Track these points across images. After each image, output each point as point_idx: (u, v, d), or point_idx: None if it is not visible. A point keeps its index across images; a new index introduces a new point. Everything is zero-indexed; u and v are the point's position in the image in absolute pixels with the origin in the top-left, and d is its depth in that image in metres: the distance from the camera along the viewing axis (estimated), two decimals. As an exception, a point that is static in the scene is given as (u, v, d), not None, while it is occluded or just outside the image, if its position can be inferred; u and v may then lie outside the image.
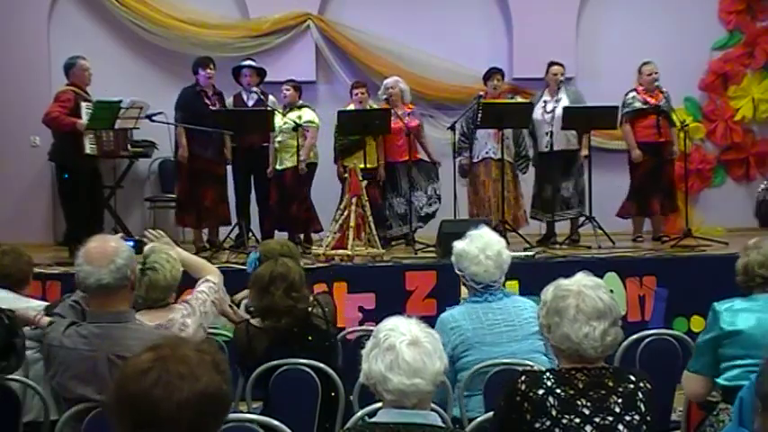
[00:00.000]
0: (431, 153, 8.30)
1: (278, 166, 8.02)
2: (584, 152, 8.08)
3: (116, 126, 7.52)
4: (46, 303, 4.20)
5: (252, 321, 4.02)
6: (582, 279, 2.75)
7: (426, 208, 8.20)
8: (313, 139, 8.04)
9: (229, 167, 8.17)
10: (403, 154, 8.08)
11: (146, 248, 3.88)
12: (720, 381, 3.49)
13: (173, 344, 1.83)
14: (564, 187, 8.12)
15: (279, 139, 7.96)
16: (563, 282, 2.76)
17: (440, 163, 8.31)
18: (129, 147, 8.29)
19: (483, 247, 3.78)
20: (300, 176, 7.97)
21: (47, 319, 3.54)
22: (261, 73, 8.26)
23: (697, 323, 6.71)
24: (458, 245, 3.87)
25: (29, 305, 3.98)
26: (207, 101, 7.93)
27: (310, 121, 8.01)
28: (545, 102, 8.15)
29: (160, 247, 3.89)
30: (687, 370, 3.60)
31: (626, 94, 8.19)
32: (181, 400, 1.73)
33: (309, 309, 4.00)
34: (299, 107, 8.13)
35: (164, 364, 1.76)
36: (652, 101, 8.11)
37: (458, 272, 3.86)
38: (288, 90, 8.12)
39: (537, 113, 8.11)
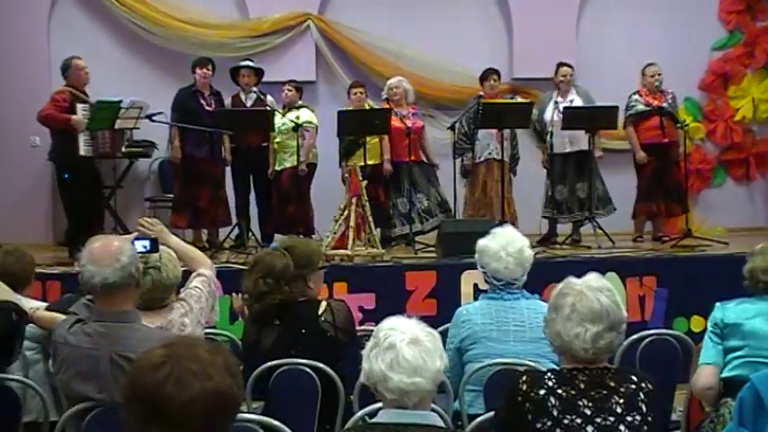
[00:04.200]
0: (429, 155, 8.29)
1: (277, 167, 8.02)
2: (598, 153, 8.12)
3: (116, 126, 7.52)
4: (45, 304, 4.20)
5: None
6: (589, 280, 2.73)
7: (430, 221, 8.17)
8: (311, 139, 8.03)
9: (228, 168, 8.17)
10: (404, 155, 8.09)
11: None
12: (723, 373, 3.52)
13: (186, 343, 1.85)
14: (579, 188, 8.09)
15: (278, 139, 7.95)
16: (572, 280, 2.75)
17: (438, 165, 8.30)
18: (123, 149, 8.23)
19: (505, 244, 3.79)
20: (298, 177, 7.96)
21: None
22: (259, 73, 8.25)
23: (697, 323, 6.72)
24: (481, 241, 3.90)
25: (29, 305, 3.98)
26: (202, 101, 7.93)
27: (308, 122, 8.00)
28: (556, 102, 8.12)
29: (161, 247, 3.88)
30: (698, 366, 3.62)
31: (629, 96, 8.22)
32: (192, 396, 1.74)
33: (321, 313, 3.95)
34: (298, 107, 8.12)
35: (176, 360, 1.77)
36: (655, 102, 8.13)
37: (479, 268, 3.87)
38: (289, 90, 8.11)
39: (548, 114, 8.11)
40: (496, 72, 8.35)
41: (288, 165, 7.95)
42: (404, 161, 8.08)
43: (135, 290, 3.25)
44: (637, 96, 8.19)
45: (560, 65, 8.21)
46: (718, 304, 3.64)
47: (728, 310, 3.58)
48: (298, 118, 7.94)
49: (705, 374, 3.54)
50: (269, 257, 4.02)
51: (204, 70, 7.93)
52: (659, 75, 8.15)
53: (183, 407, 1.73)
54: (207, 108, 7.89)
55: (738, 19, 9.79)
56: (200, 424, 1.75)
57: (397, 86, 8.23)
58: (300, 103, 8.23)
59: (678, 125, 8.10)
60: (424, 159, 8.28)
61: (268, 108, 7.99)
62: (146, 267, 3.64)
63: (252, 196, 8.22)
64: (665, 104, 8.12)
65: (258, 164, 8.08)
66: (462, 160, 8.19)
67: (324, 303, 4.02)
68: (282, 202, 7.98)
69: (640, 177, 8.28)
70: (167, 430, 1.75)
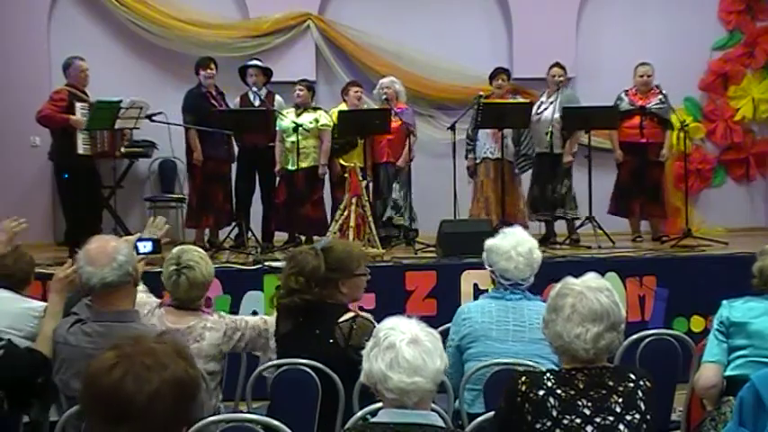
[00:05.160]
0: (404, 155, 8.05)
1: (290, 167, 7.90)
2: (567, 158, 8.03)
3: (116, 126, 7.52)
4: (45, 304, 4.20)
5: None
6: (588, 280, 2.73)
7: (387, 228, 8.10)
8: (329, 141, 7.99)
9: (233, 165, 8.17)
10: (383, 155, 8.08)
11: (174, 250, 3.88)
12: (726, 372, 3.51)
13: (133, 339, 1.84)
14: (547, 189, 8.12)
15: (292, 139, 7.82)
16: (570, 280, 2.75)
17: (403, 167, 8.11)
18: (122, 149, 8.20)
19: (515, 243, 3.79)
20: (315, 178, 7.93)
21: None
22: (267, 72, 8.24)
23: (697, 323, 6.73)
24: (489, 240, 3.89)
25: (29, 305, 3.98)
26: (213, 101, 7.94)
27: (326, 125, 7.96)
28: (541, 102, 8.16)
29: (189, 247, 3.90)
30: (701, 363, 3.61)
31: (618, 95, 8.22)
32: (151, 390, 1.73)
33: (340, 322, 3.87)
34: (314, 109, 8.07)
35: (128, 357, 1.76)
36: (639, 102, 8.13)
37: (487, 267, 3.86)
38: (301, 90, 8.03)
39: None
40: (505, 71, 8.34)
41: (303, 165, 7.79)
42: (382, 162, 8.10)
43: (133, 288, 3.26)
44: (623, 95, 8.21)
45: (552, 65, 8.22)
46: (724, 302, 3.61)
47: (735, 309, 3.56)
48: (317, 121, 7.90)
49: (708, 372, 3.52)
50: (301, 256, 3.99)
51: (208, 71, 7.94)
52: (649, 75, 8.14)
53: (147, 401, 1.72)
54: (218, 108, 7.90)
55: (738, 19, 9.78)
56: (165, 414, 1.74)
57: (389, 87, 8.20)
58: (315, 104, 8.18)
59: (671, 127, 8.09)
60: (394, 159, 8.12)
61: (274, 108, 7.97)
62: (180, 268, 3.70)
63: (256, 196, 8.21)
64: (649, 105, 8.10)
65: (265, 163, 8.05)
66: (467, 162, 8.22)
67: (349, 314, 3.90)
68: (295, 202, 7.87)
69: (619, 175, 8.32)
70: (135, 428, 1.73)
